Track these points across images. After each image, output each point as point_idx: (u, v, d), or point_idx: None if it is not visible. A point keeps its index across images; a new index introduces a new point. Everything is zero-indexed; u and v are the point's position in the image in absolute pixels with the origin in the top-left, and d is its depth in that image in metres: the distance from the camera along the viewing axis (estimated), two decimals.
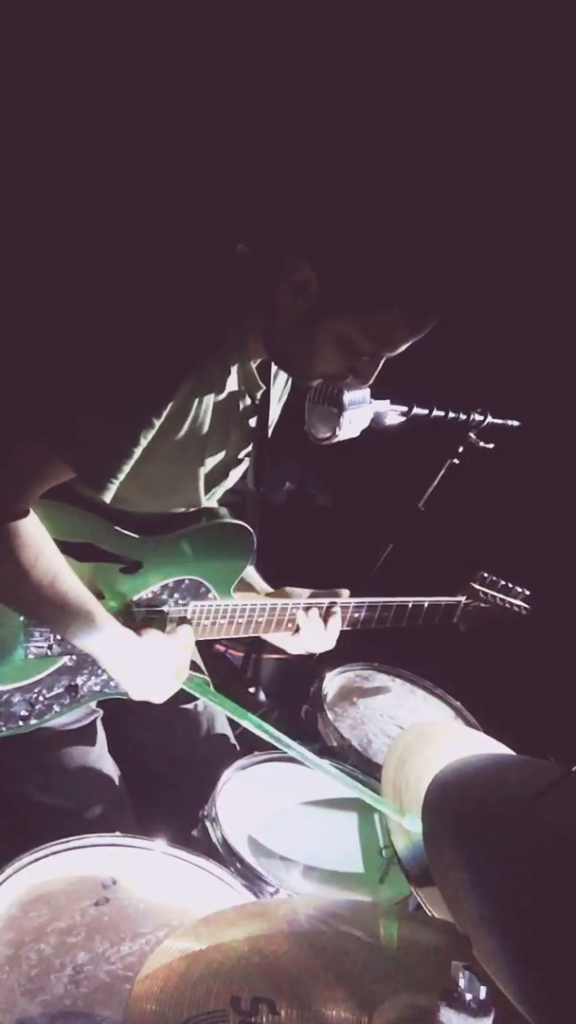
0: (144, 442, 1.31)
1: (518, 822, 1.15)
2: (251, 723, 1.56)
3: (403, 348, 1.36)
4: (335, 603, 1.75)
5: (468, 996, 0.87)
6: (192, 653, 1.66)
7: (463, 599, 1.95)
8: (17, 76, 2.40)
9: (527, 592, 1.98)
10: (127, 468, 1.32)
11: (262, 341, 1.42)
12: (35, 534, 1.33)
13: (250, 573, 1.82)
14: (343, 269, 1.27)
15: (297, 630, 1.72)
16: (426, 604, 1.87)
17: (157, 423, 1.31)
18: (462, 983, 0.88)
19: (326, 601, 1.74)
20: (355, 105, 2.54)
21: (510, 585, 1.98)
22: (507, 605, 1.97)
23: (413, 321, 1.31)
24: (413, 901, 1.40)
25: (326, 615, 1.73)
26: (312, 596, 1.78)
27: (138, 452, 1.32)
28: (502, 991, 0.90)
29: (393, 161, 1.30)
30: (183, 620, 1.62)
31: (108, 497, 1.34)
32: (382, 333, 1.31)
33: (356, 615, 1.79)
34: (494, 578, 1.98)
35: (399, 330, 1.32)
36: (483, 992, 0.88)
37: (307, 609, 1.71)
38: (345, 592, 1.79)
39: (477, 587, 1.96)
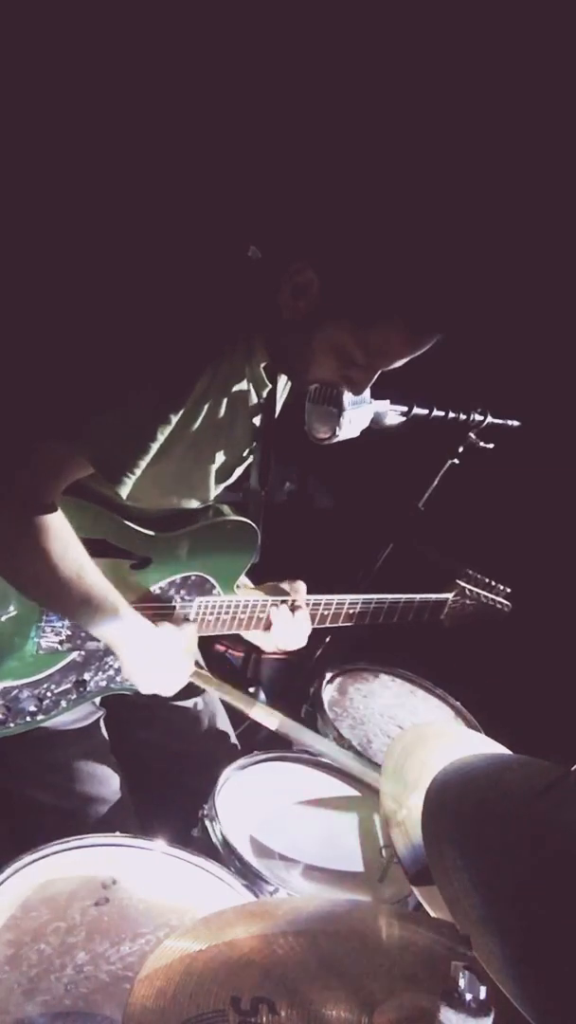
0: (161, 438, 1.33)
1: (518, 822, 1.15)
2: (258, 711, 1.58)
3: (398, 364, 1.36)
4: (323, 600, 1.76)
5: (468, 996, 0.87)
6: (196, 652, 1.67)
7: (450, 596, 1.97)
8: (31, 85, 2.40)
9: (508, 590, 2.01)
10: (144, 464, 1.34)
11: (264, 342, 1.42)
12: (63, 528, 1.35)
13: None
14: (344, 278, 1.27)
15: (269, 626, 1.72)
16: (416, 601, 1.90)
17: (174, 419, 1.32)
18: (462, 983, 0.88)
19: (312, 598, 1.75)
20: (371, 121, 2.55)
21: (493, 583, 2.01)
22: (490, 602, 2.00)
23: (410, 339, 1.31)
24: (413, 901, 1.40)
25: (292, 610, 1.73)
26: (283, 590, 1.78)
27: (155, 448, 1.33)
28: (502, 991, 0.90)
29: (401, 177, 1.31)
30: (186, 620, 1.64)
31: (125, 492, 1.35)
32: (377, 346, 1.32)
33: (350, 611, 1.80)
34: (478, 576, 2.01)
35: (395, 346, 1.32)
36: (483, 992, 0.88)
37: (277, 605, 1.72)
38: (300, 584, 1.78)
39: (463, 584, 1.99)
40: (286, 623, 1.71)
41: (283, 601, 1.72)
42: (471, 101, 2.58)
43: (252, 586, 1.85)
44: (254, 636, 1.78)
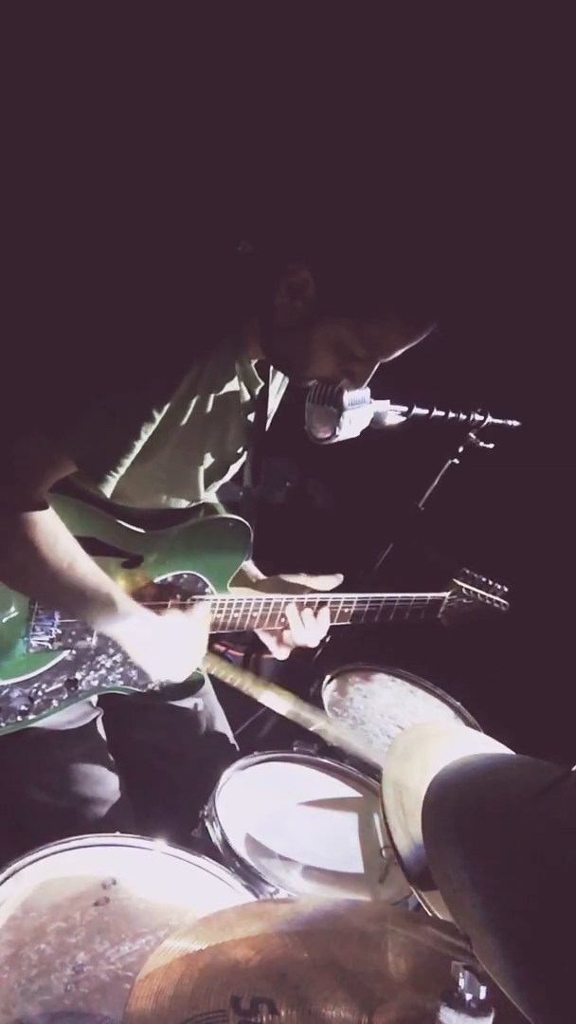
0: (145, 436, 1.32)
1: (518, 822, 1.15)
2: (268, 696, 1.59)
3: (397, 354, 1.36)
4: (326, 599, 1.75)
5: (468, 996, 0.87)
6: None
7: (447, 595, 1.97)
8: (26, 80, 2.40)
9: (506, 589, 2.00)
10: (127, 462, 1.33)
11: (259, 340, 1.42)
12: (50, 521, 1.35)
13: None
14: (340, 274, 1.27)
15: (287, 626, 1.71)
16: (412, 600, 1.89)
17: (158, 417, 1.32)
18: (462, 983, 0.88)
19: (317, 597, 1.74)
20: (361, 117, 2.55)
21: (491, 582, 2.00)
22: (487, 601, 1.99)
23: (408, 329, 1.31)
24: (413, 901, 1.40)
25: (317, 609, 1.72)
26: (301, 585, 1.77)
27: (139, 446, 1.33)
28: (502, 991, 0.90)
29: (394, 171, 1.31)
30: (194, 601, 1.63)
31: (108, 490, 1.35)
32: (376, 339, 1.32)
33: (345, 610, 1.80)
34: (476, 575, 2.00)
35: (393, 337, 1.32)
36: (483, 992, 0.88)
37: (298, 605, 1.71)
38: (338, 577, 1.79)
39: (460, 583, 1.98)
40: (303, 624, 1.70)
41: (303, 602, 1.71)
42: (461, 91, 2.57)
43: (262, 577, 1.84)
44: (267, 639, 1.77)
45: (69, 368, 1.36)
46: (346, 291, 1.28)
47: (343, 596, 1.79)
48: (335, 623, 1.81)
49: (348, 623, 1.83)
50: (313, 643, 1.76)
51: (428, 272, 1.27)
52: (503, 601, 2.00)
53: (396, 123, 2.51)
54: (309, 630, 1.72)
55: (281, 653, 1.76)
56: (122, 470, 1.34)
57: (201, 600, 1.64)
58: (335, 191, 1.29)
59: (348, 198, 1.28)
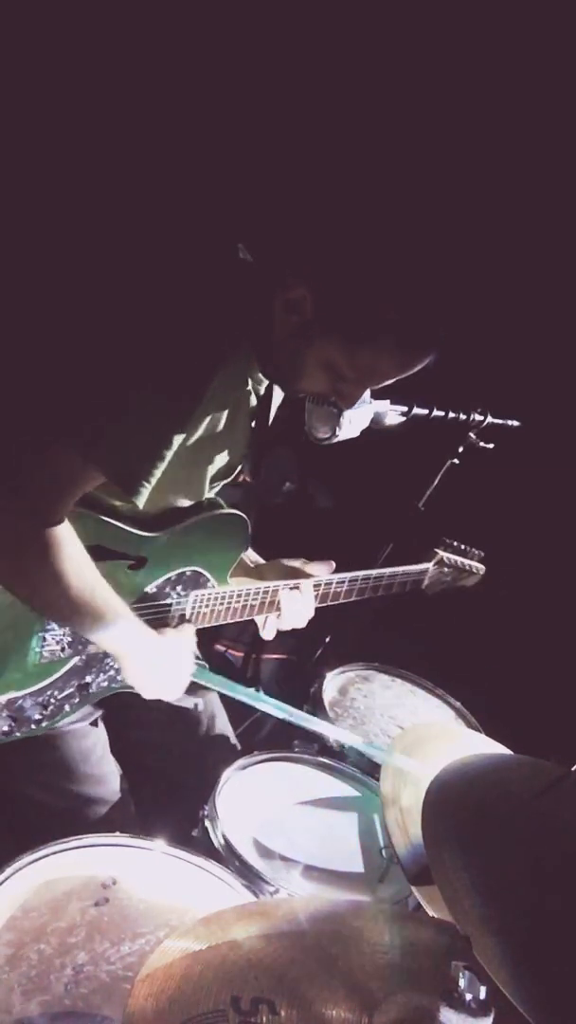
0: (176, 444, 1.31)
1: (518, 822, 1.15)
2: (251, 699, 1.63)
3: (388, 383, 1.36)
4: (319, 582, 1.79)
5: (468, 996, 0.87)
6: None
7: (430, 565, 2.04)
8: (25, 85, 2.40)
9: (483, 553, 2.10)
10: (160, 471, 1.32)
11: (256, 349, 1.42)
12: (75, 544, 1.33)
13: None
14: (337, 296, 1.27)
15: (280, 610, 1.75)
16: (399, 573, 1.96)
17: (188, 425, 1.32)
18: (462, 983, 0.88)
19: (310, 581, 1.78)
20: (366, 138, 2.55)
21: (468, 548, 2.10)
22: (467, 568, 2.10)
23: (398, 360, 1.31)
24: (413, 901, 1.40)
25: (302, 589, 1.77)
26: (295, 568, 1.82)
27: (170, 455, 1.31)
28: (502, 991, 0.90)
29: (396, 197, 1.31)
30: (183, 619, 1.66)
31: (141, 501, 1.33)
32: (367, 365, 1.32)
33: (337, 590, 1.83)
34: (455, 543, 2.10)
35: (384, 366, 1.32)
36: (483, 992, 0.88)
37: (290, 589, 1.75)
38: (330, 564, 1.83)
39: (442, 553, 2.07)
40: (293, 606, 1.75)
41: (290, 587, 1.75)
42: (463, 117, 2.57)
43: (262, 561, 1.87)
44: (262, 619, 1.81)
45: (95, 382, 1.33)
46: (341, 314, 1.28)
47: (335, 576, 1.83)
48: (328, 604, 1.84)
49: (340, 602, 1.87)
50: (302, 623, 1.79)
51: (424, 304, 1.27)
52: (479, 565, 2.11)
53: (398, 147, 2.51)
54: (299, 610, 1.76)
55: (268, 633, 1.81)
56: (155, 479, 1.32)
57: (187, 623, 1.66)
58: (336, 214, 1.30)
59: (348, 223, 1.28)
